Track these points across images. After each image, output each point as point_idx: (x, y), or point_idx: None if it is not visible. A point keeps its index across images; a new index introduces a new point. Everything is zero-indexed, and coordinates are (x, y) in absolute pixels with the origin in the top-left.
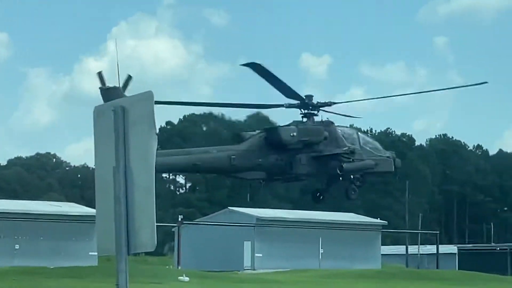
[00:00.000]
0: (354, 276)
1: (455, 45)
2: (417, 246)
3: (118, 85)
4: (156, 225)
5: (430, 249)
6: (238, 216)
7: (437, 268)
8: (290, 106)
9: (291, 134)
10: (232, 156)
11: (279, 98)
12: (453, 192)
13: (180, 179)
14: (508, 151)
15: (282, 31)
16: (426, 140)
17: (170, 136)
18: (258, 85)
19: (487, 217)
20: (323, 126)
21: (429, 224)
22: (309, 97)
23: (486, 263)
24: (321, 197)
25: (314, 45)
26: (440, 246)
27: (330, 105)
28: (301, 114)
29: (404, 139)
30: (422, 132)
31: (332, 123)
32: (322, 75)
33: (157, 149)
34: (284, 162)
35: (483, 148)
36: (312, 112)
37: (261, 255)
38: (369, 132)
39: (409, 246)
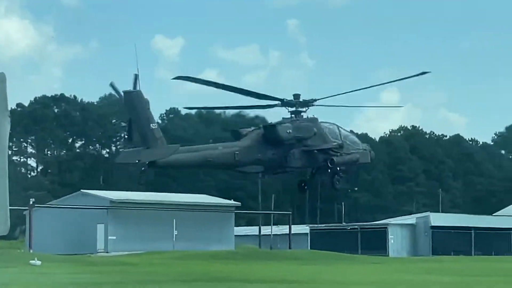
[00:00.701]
0: (208, 257)
1: (306, 27)
2: (270, 226)
3: None
4: None
5: (283, 229)
6: (91, 198)
7: (289, 248)
8: (283, 104)
9: (287, 131)
10: (236, 152)
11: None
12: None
13: (32, 162)
14: (359, 133)
15: (135, 12)
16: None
17: (20, 119)
18: (109, 68)
19: (338, 197)
20: (310, 122)
21: (282, 204)
22: (297, 96)
23: (337, 242)
24: (306, 187)
25: (167, 26)
26: (292, 226)
27: (313, 102)
28: (289, 112)
29: (257, 121)
30: (275, 113)
31: (317, 119)
32: (175, 57)
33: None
34: (280, 156)
35: None
36: (300, 110)
37: (115, 237)
38: (223, 113)
39: (262, 227)
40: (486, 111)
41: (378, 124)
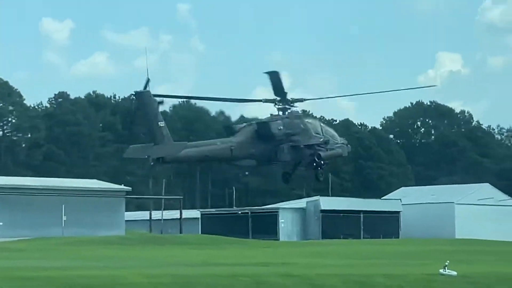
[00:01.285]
0: (97, 243)
1: (197, 12)
2: (160, 211)
3: None
4: None
5: (174, 214)
6: None
7: (180, 232)
8: (267, 101)
9: (279, 128)
10: (232, 147)
11: None
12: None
13: None
14: (249, 117)
15: None
16: (170, 106)
17: None
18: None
19: (229, 181)
20: (298, 119)
21: (172, 189)
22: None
23: (228, 226)
24: (290, 178)
25: (55, 9)
26: (183, 211)
27: (302, 101)
28: (277, 108)
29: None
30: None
31: (301, 116)
32: (64, 40)
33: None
34: (271, 151)
35: (226, 114)
36: (287, 106)
37: (1, 223)
38: (112, 97)
39: (153, 212)
40: (374, 96)
41: (267, 108)
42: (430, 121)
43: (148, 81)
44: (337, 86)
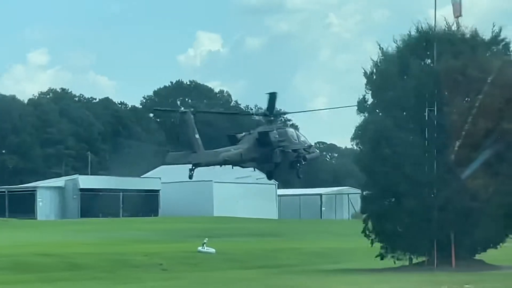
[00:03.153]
0: None
1: None
2: None
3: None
4: None
5: None
6: None
7: None
8: (257, 114)
9: (275, 136)
10: (241, 153)
11: None
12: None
13: None
14: (7, 94)
15: None
16: None
17: None
18: None
19: None
20: (283, 128)
21: None
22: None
23: None
24: (273, 175)
25: None
26: None
27: (284, 114)
28: (266, 120)
29: None
30: None
31: (285, 126)
32: None
33: None
34: (268, 155)
35: None
36: (275, 119)
37: None
38: None
39: None
40: (134, 75)
41: (27, 85)
42: (189, 100)
43: (190, 110)
44: (96, 63)
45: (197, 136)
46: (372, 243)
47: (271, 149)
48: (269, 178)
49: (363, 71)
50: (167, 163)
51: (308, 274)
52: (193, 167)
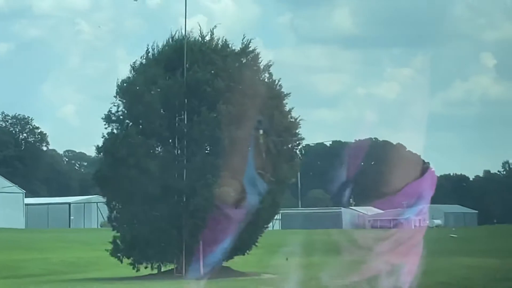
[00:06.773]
0: None
1: None
2: None
3: None
4: None
5: None
6: None
7: None
8: None
9: None
10: None
11: None
12: None
13: None
14: None
15: None
16: None
17: None
18: None
19: None
20: None
21: None
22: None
23: None
24: None
25: None
26: None
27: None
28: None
29: None
30: None
31: None
32: None
33: None
34: None
35: None
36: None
37: None
38: None
39: None
40: None
41: None
42: None
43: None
44: None
45: None
46: (120, 253)
47: None
48: None
49: (116, 81)
50: None
51: (54, 284)
52: None
